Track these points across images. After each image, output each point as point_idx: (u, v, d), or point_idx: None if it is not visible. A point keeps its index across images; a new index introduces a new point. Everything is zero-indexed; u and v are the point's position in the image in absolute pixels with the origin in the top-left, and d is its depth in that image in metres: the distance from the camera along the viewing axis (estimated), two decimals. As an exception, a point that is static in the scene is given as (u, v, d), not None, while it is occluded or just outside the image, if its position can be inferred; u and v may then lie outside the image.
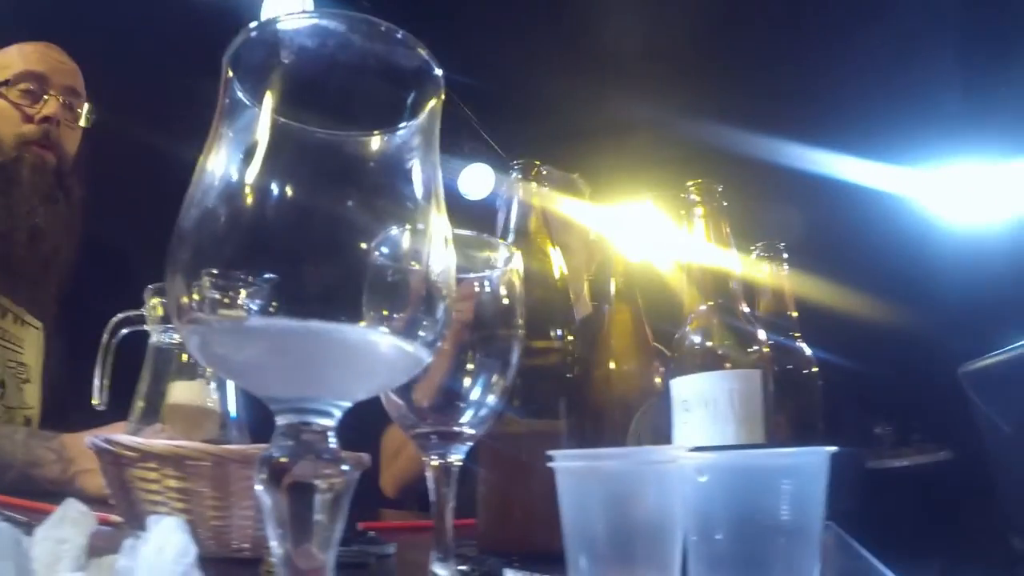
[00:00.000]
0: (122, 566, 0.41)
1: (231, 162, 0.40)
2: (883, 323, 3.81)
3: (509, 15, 3.61)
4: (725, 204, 1.00)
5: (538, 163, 1.07)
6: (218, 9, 2.72)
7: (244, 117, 0.40)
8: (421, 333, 0.41)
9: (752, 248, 1.36)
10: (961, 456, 3.98)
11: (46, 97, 1.79)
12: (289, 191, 0.39)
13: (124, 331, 1.21)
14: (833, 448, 0.56)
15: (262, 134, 0.39)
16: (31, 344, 1.87)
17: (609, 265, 1.14)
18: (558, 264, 1.05)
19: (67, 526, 0.48)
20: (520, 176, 1.07)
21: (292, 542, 0.39)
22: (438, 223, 0.44)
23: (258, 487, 0.39)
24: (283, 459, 0.39)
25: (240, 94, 0.40)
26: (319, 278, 0.39)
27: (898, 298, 3.80)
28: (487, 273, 0.68)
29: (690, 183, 1.01)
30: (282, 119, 0.40)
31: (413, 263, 0.42)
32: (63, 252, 1.82)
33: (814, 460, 0.56)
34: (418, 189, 0.43)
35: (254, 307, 0.37)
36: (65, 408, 1.90)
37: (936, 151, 4.04)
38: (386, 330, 0.39)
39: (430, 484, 0.65)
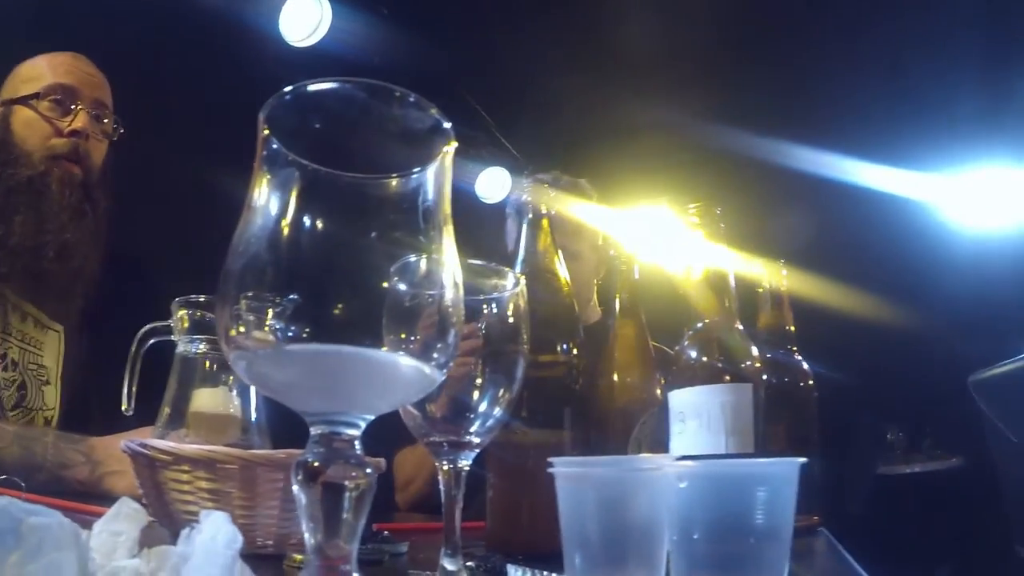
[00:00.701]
0: (180, 551, 0.48)
1: (270, 206, 0.46)
2: (896, 329, 3.80)
3: (524, 19, 3.64)
4: (723, 226, 1.04)
5: (546, 182, 1.09)
6: (237, 22, 2.78)
7: (280, 165, 0.46)
8: (435, 355, 0.48)
9: (753, 264, 1.40)
10: (972, 464, 3.97)
11: (74, 107, 1.79)
12: (320, 228, 0.45)
13: (151, 341, 1.22)
14: (802, 459, 0.61)
15: (297, 181, 0.46)
16: (50, 347, 1.89)
17: (614, 278, 1.18)
18: (566, 279, 1.07)
19: (122, 520, 0.55)
20: (529, 191, 1.08)
21: (323, 534, 0.46)
22: (450, 254, 0.50)
23: (295, 487, 0.46)
24: (317, 463, 0.46)
25: (276, 147, 0.46)
26: (346, 304, 0.45)
27: (911, 304, 3.78)
28: (495, 295, 0.73)
29: (691, 205, 1.05)
30: (313, 166, 0.46)
31: (428, 291, 0.48)
32: (90, 264, 1.83)
33: (783, 470, 0.61)
34: (432, 224, 0.49)
35: (281, 326, 0.44)
36: (84, 409, 1.94)
37: (949, 155, 4.01)
38: (404, 353, 0.46)
39: (441, 487, 0.70)
